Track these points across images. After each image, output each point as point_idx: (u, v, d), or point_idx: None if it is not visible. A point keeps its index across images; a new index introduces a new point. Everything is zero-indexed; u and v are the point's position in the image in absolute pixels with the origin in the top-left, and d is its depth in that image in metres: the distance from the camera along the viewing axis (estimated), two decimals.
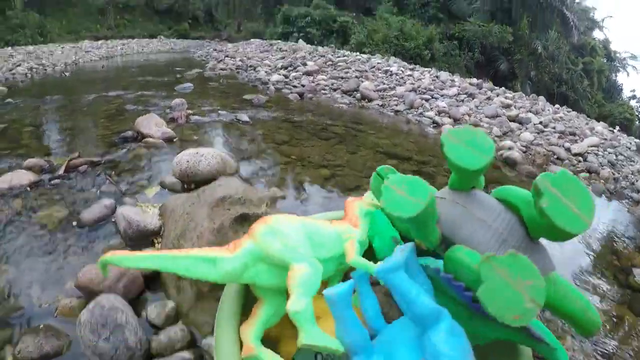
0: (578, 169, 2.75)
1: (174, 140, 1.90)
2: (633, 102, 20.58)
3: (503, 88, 5.39)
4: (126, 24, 20.02)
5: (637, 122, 17.71)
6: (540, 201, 0.44)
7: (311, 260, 0.56)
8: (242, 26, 22.45)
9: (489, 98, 4.34)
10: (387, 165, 0.71)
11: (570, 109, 5.73)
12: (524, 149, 2.97)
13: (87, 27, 17.58)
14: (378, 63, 6.03)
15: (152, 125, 1.92)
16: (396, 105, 3.89)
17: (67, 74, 5.11)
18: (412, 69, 5.80)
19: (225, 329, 0.55)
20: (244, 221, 0.96)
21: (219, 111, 2.67)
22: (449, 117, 3.58)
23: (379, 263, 0.57)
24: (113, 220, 1.15)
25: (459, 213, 0.55)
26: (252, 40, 16.07)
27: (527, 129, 3.52)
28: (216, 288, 0.75)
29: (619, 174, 2.87)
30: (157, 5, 22.29)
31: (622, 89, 21.43)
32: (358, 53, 8.74)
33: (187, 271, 0.54)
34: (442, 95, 4.26)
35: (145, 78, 4.61)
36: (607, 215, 2.02)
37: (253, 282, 0.56)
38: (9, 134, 2.07)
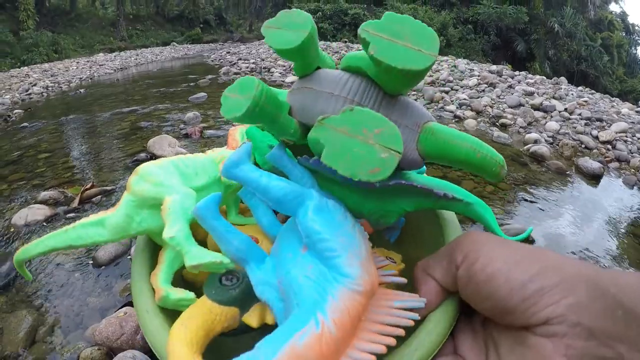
0: (607, 158, 2.62)
1: None
2: None
3: (524, 73, 5.26)
4: (138, 34, 20.49)
5: None
6: (368, 50, 0.38)
7: (182, 189, 0.55)
8: (253, 26, 22.59)
9: (510, 86, 4.26)
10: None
11: (594, 91, 5.55)
12: (551, 139, 2.88)
13: (101, 40, 17.99)
14: None
15: (166, 145, 1.91)
16: (416, 100, 3.79)
17: (82, 90, 5.19)
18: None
19: (138, 284, 0.52)
20: None
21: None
22: (471, 109, 3.51)
23: None
24: (129, 257, 1.13)
25: (307, 95, 0.50)
26: (262, 41, 16.16)
27: (552, 117, 3.43)
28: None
29: None
30: (168, 12, 22.61)
31: None
32: None
33: (80, 239, 0.52)
34: (462, 87, 4.20)
35: (159, 90, 4.66)
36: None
37: (143, 229, 0.55)
38: (24, 162, 2.09)
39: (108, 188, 1.55)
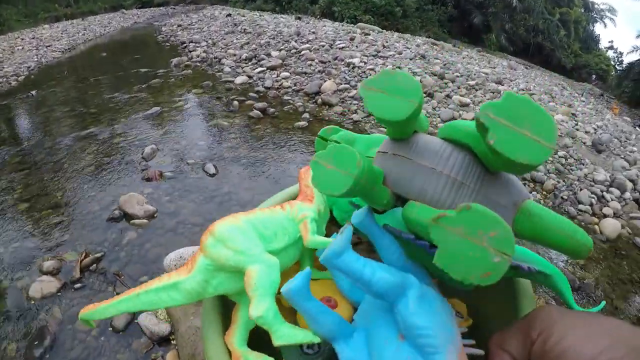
0: (524, 182, 3.04)
1: (155, 215, 2.38)
2: (610, 53, 21.24)
3: (464, 78, 5.63)
4: None
5: (613, 73, 18.38)
6: (487, 137, 0.38)
7: (264, 258, 0.56)
8: None
9: (448, 95, 4.67)
10: (331, 126, 0.71)
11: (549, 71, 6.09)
12: None
13: (45, 7, 17.15)
14: (340, 49, 6.36)
15: (135, 204, 2.39)
16: (355, 112, 4.28)
17: (33, 93, 5.33)
18: (375, 55, 6.13)
19: (212, 344, 0.56)
20: None
21: (188, 161, 3.10)
22: None
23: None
24: (137, 322, 1.65)
25: (404, 166, 0.50)
26: (215, 6, 15.93)
27: None
28: None
29: (564, 181, 3.20)
30: None
31: (599, 40, 22.13)
32: (325, 24, 9.06)
33: (153, 304, 0.56)
34: None
35: (112, 96, 4.91)
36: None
37: (219, 293, 0.58)
38: (8, 216, 2.48)
39: (98, 255, 2.03)
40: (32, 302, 1.79)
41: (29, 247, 2.16)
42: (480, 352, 0.46)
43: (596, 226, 2.83)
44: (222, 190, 2.72)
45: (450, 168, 0.47)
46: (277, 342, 0.49)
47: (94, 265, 2.00)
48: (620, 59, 20.99)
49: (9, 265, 2.03)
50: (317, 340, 0.49)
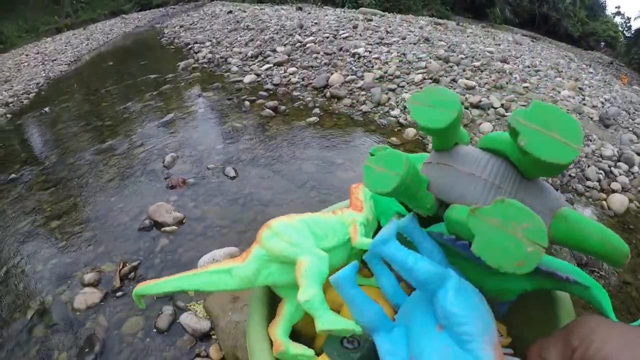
0: None
1: (184, 221, 2.51)
2: (617, 19, 20.98)
3: (470, 59, 5.64)
4: (84, 7, 19.76)
5: (621, 39, 18.14)
6: (518, 140, 0.42)
7: (315, 251, 0.60)
8: None
9: (454, 80, 4.67)
10: (380, 145, 0.74)
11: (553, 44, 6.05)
12: None
13: (45, 20, 17.42)
14: (344, 39, 6.39)
15: (164, 212, 2.52)
16: (364, 103, 4.35)
17: (46, 109, 5.46)
18: (379, 42, 6.13)
19: (255, 333, 0.59)
20: None
21: (208, 165, 3.22)
22: None
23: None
24: (178, 322, 1.80)
25: (446, 173, 0.55)
26: (215, 2, 15.82)
27: (487, 115, 3.91)
28: None
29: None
30: None
31: (606, 6, 21.88)
32: (327, 13, 9.17)
33: (207, 285, 0.60)
34: (408, 83, 4.63)
35: (125, 106, 5.03)
36: None
37: (269, 283, 0.62)
38: (42, 233, 2.64)
39: (135, 264, 2.16)
40: (78, 313, 1.93)
41: (67, 262, 2.29)
42: None
43: (604, 202, 2.87)
44: (243, 192, 2.82)
45: (488, 173, 0.51)
46: (320, 327, 0.52)
47: (132, 273, 2.13)
48: (628, 24, 20.80)
49: (50, 282, 2.16)
50: (358, 330, 0.51)
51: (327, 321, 0.52)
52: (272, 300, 0.66)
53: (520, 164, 0.50)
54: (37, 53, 10.68)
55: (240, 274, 0.60)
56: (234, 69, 5.97)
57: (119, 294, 2.02)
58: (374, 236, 0.62)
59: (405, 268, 0.47)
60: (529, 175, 0.51)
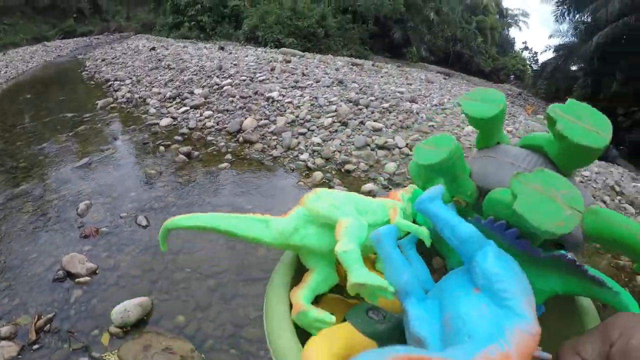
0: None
1: (97, 272, 2.52)
2: (525, 54, 23.04)
3: (379, 102, 5.94)
4: (6, 29, 19.38)
5: (529, 72, 19.76)
6: (555, 127, 0.49)
7: (356, 216, 0.61)
8: (130, 14, 22.10)
9: (362, 122, 4.90)
10: (411, 185, 0.83)
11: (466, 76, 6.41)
12: (387, 183, 3.65)
13: None
14: (260, 82, 6.62)
15: (77, 263, 2.50)
16: (275, 147, 4.51)
17: None
18: (294, 86, 6.41)
19: (276, 296, 0.59)
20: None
21: (121, 214, 3.23)
22: (321, 157, 4.13)
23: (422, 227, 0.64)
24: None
25: (488, 163, 0.60)
26: (140, 36, 15.78)
27: (392, 155, 4.11)
28: None
29: None
30: (38, 3, 21.51)
31: (514, 43, 24.21)
32: (247, 53, 9.36)
33: (241, 230, 0.61)
34: (318, 127, 4.82)
35: (41, 146, 4.95)
36: None
37: (302, 243, 0.62)
38: None
39: (50, 316, 2.14)
40: None
41: None
42: (548, 355, 0.48)
43: None
44: (154, 241, 2.83)
45: (526, 163, 0.57)
46: (354, 279, 0.52)
47: (47, 325, 2.11)
48: (535, 58, 22.98)
49: None
50: (391, 289, 0.52)
51: (361, 275, 0.52)
52: (296, 273, 0.67)
53: (557, 157, 0.57)
54: None
55: (278, 227, 0.62)
56: (152, 110, 6.03)
57: (36, 346, 2.01)
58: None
59: (450, 225, 0.51)
60: (564, 167, 0.57)
